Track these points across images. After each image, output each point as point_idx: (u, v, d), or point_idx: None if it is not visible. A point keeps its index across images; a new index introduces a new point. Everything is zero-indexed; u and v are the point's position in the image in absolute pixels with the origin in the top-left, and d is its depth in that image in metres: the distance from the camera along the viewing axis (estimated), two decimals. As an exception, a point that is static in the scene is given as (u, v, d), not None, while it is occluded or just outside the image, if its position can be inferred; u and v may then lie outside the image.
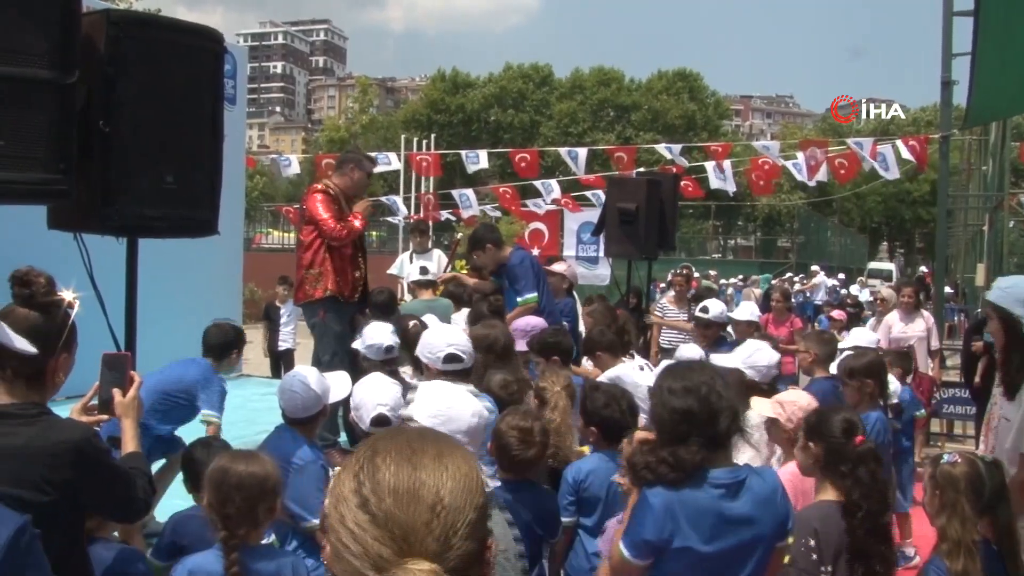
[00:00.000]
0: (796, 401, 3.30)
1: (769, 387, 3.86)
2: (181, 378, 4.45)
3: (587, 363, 5.07)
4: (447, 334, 3.65)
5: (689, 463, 2.26)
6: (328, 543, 1.03)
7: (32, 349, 2.17)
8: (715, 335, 6.19)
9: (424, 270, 6.16)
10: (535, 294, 5.92)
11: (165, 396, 4.35)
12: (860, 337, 6.47)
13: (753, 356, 3.91)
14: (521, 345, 4.66)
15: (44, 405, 2.26)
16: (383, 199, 21.62)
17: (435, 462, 1.03)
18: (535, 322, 4.97)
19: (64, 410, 2.48)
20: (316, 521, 2.94)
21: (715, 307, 6.36)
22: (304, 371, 3.55)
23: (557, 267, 7.44)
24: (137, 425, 2.57)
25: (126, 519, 2.61)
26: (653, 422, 2.44)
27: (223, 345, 4.66)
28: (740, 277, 26.88)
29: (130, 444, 2.51)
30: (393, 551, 0.97)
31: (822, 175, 15.72)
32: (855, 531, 2.69)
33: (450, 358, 3.50)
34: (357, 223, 5.71)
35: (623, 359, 4.75)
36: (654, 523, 2.23)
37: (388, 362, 4.55)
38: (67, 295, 2.32)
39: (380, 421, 3.08)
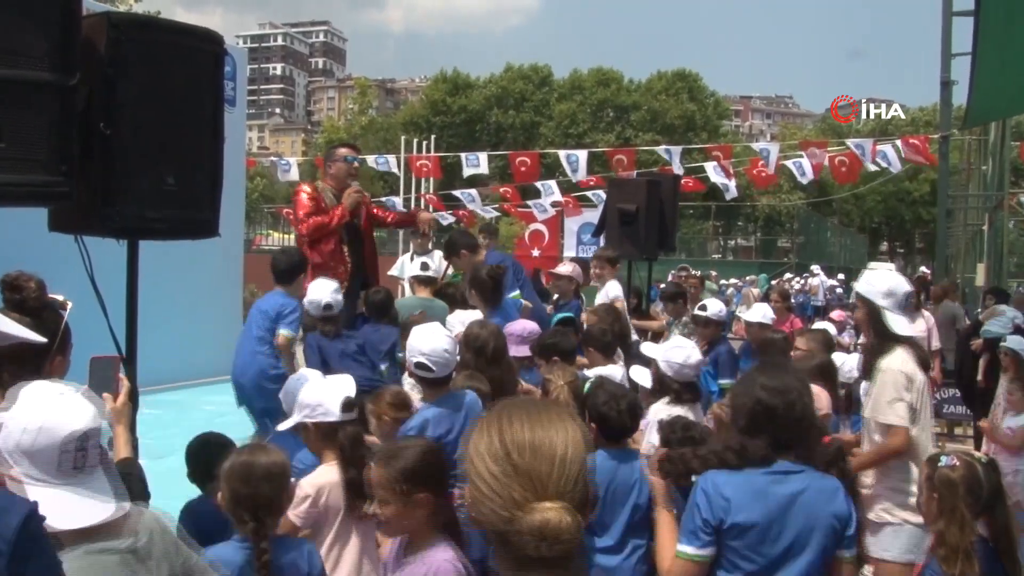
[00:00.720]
0: None
1: (685, 387, 3.89)
2: (265, 311, 5.17)
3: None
4: (427, 340, 3.43)
5: (754, 454, 2.37)
6: (468, 493, 1.28)
7: (41, 338, 2.15)
8: (714, 334, 6.08)
9: (425, 266, 6.13)
10: (516, 292, 5.96)
11: (262, 337, 5.11)
12: (756, 313, 6.65)
13: (671, 352, 3.93)
14: (515, 350, 4.54)
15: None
16: (382, 200, 21.59)
17: (558, 422, 1.31)
18: (531, 327, 4.84)
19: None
20: None
21: (713, 305, 6.28)
22: (307, 373, 3.55)
23: (563, 269, 7.30)
24: (129, 430, 2.55)
25: None
26: (732, 409, 2.55)
27: (290, 268, 5.27)
28: (738, 279, 26.83)
29: (123, 450, 2.49)
30: (531, 494, 1.24)
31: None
32: None
33: (419, 366, 3.41)
34: (329, 217, 5.79)
35: (613, 362, 4.76)
36: (707, 503, 2.32)
37: (325, 320, 4.83)
38: (59, 298, 2.31)
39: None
